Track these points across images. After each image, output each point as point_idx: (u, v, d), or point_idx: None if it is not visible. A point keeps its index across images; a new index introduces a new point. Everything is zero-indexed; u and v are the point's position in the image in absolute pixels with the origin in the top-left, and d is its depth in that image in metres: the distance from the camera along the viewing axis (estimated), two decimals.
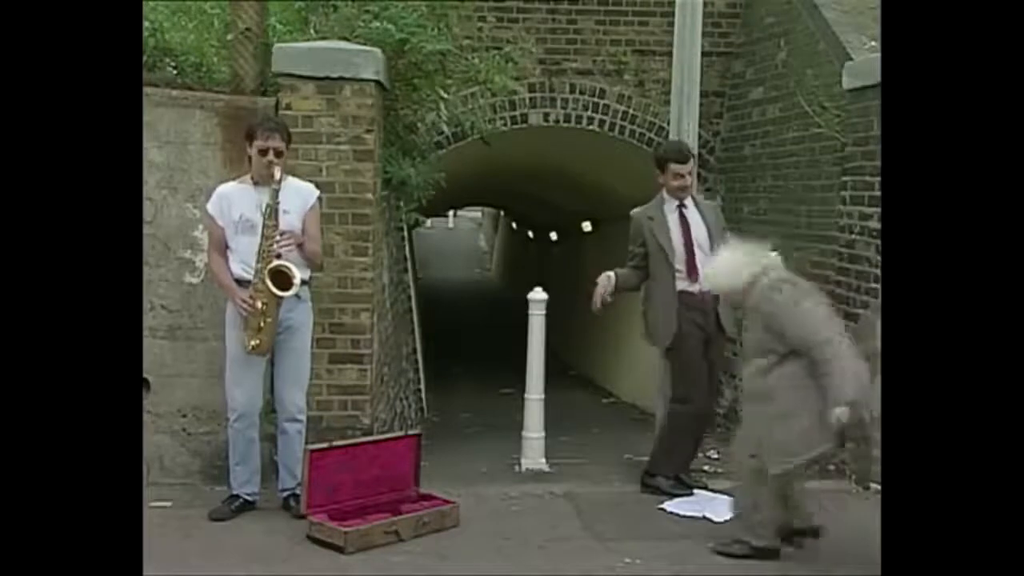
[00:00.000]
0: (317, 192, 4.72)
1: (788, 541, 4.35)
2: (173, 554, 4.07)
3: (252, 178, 4.56)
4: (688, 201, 5.33)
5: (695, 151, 6.05)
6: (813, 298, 4.27)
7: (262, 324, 4.46)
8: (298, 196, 4.60)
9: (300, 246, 4.54)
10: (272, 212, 4.44)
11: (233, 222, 4.53)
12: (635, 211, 5.44)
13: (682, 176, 5.25)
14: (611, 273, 5.31)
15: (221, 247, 4.60)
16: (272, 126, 4.57)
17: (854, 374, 4.05)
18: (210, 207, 4.60)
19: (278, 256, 4.44)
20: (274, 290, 4.41)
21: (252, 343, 4.48)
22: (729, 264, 4.36)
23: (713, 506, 5.05)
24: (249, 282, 4.50)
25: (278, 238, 4.44)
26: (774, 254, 4.42)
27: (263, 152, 4.47)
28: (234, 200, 4.55)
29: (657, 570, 4.23)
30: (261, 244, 4.45)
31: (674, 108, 6.10)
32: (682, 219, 5.28)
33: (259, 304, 4.44)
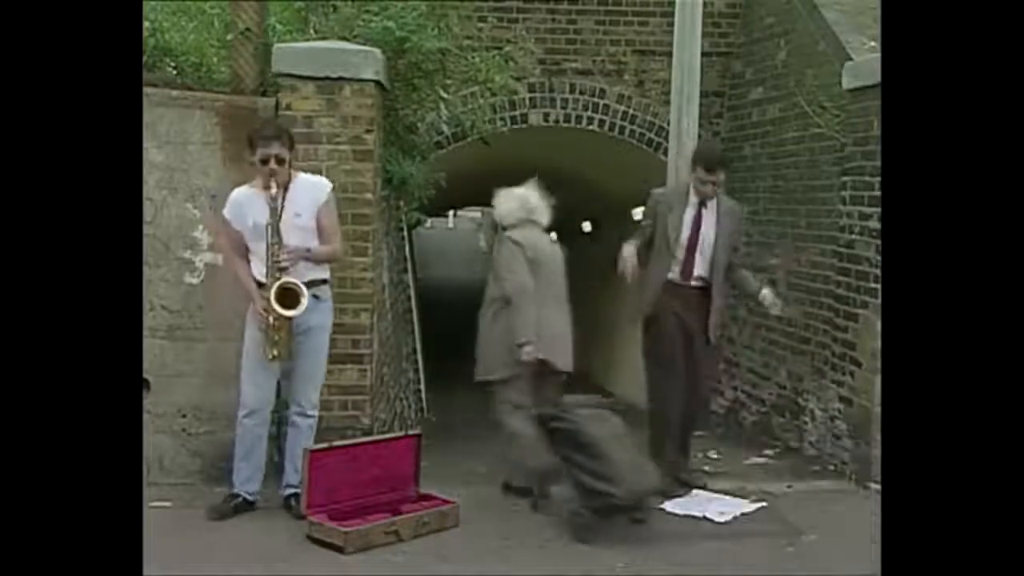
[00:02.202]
0: (329, 185, 4.70)
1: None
2: (173, 554, 4.06)
3: (262, 184, 4.55)
4: (711, 203, 5.29)
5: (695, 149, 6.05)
6: (530, 264, 5.12)
7: (277, 337, 4.50)
8: (308, 195, 4.60)
9: (307, 257, 4.55)
10: (273, 229, 4.45)
11: (248, 228, 4.55)
12: (658, 191, 5.52)
13: (704, 183, 5.22)
14: (632, 247, 5.28)
15: (240, 250, 4.62)
16: (270, 133, 4.52)
17: (535, 323, 5.02)
18: (226, 212, 4.62)
19: (283, 270, 4.44)
20: (281, 311, 4.43)
21: (272, 353, 4.52)
22: (516, 200, 5.37)
23: (713, 506, 5.05)
24: (262, 285, 4.52)
25: (283, 256, 4.44)
26: (538, 227, 5.35)
27: (264, 161, 4.46)
28: (246, 207, 4.56)
29: (657, 570, 4.23)
30: (268, 260, 4.46)
31: (674, 108, 6.11)
32: (696, 218, 5.27)
33: (271, 319, 4.47)
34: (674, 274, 5.25)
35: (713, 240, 5.25)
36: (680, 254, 5.24)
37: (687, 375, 5.30)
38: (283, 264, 4.45)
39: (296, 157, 4.68)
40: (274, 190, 4.46)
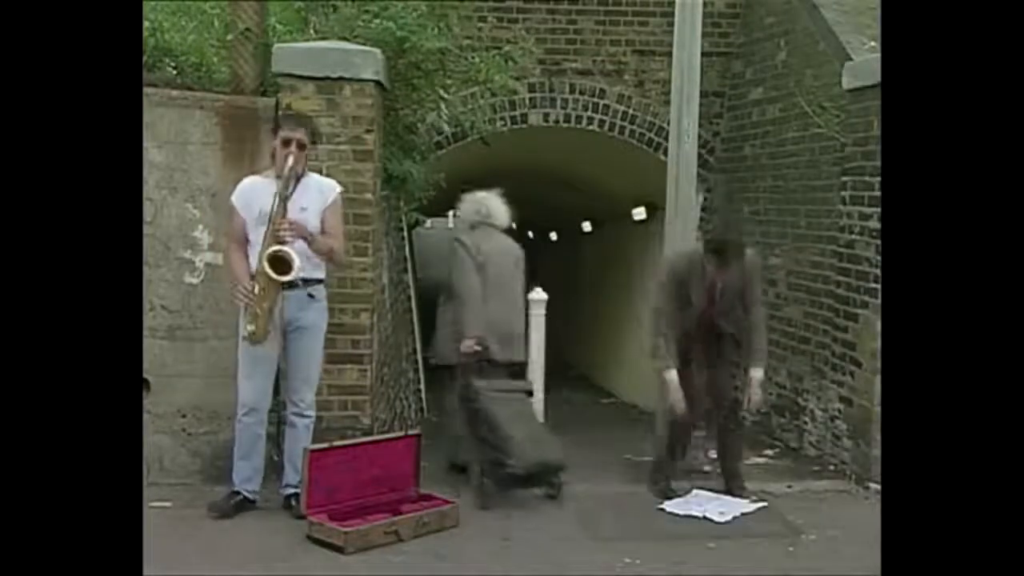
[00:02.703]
0: (338, 188, 4.73)
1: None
2: (173, 554, 4.07)
3: (276, 172, 4.57)
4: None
5: (695, 152, 6.05)
6: (478, 266, 5.63)
7: (259, 311, 4.45)
8: (318, 193, 4.62)
9: (308, 241, 4.53)
10: (281, 202, 4.45)
11: (253, 216, 4.55)
12: (672, 258, 5.49)
13: (718, 271, 5.13)
14: (673, 372, 5.18)
15: (240, 238, 4.61)
16: (298, 120, 4.62)
17: (478, 318, 5.59)
18: (234, 198, 4.63)
19: (281, 242, 4.44)
20: (271, 273, 4.40)
21: (249, 328, 4.49)
22: (474, 204, 5.89)
23: (713, 506, 5.05)
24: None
25: (286, 225, 4.44)
26: (494, 230, 5.86)
27: (286, 143, 4.48)
28: (256, 193, 4.57)
29: (657, 570, 4.23)
30: (267, 230, 4.45)
31: (674, 108, 6.10)
32: (711, 285, 5.20)
33: (257, 289, 4.44)
34: (696, 332, 5.25)
35: (720, 299, 5.22)
36: (698, 315, 5.22)
37: (714, 407, 5.38)
38: (283, 235, 4.43)
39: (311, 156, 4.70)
40: (290, 163, 4.45)
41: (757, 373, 5.24)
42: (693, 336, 5.27)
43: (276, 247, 4.42)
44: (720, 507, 5.05)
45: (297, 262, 4.43)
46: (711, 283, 5.18)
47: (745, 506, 5.10)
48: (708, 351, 5.33)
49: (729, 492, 5.33)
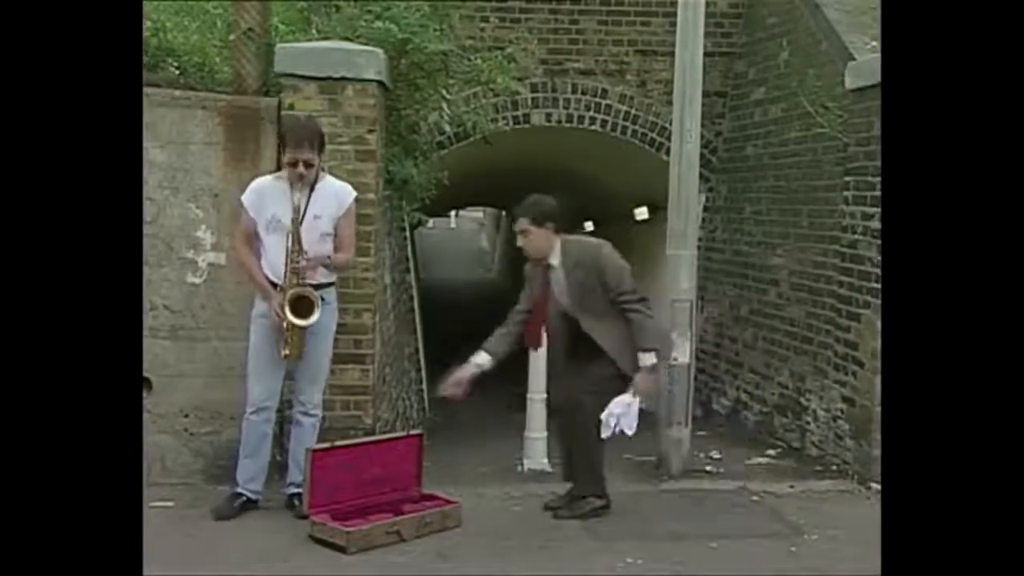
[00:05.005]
0: (354, 193, 4.71)
1: None
2: (174, 554, 4.07)
3: (288, 179, 4.56)
4: (554, 260, 4.85)
5: (697, 152, 6.05)
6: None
7: (289, 338, 4.51)
8: (333, 199, 4.61)
9: (326, 265, 4.57)
10: (295, 237, 4.45)
11: (265, 220, 4.55)
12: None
13: (521, 235, 4.85)
14: (482, 355, 4.95)
15: (250, 238, 4.61)
16: (302, 137, 4.49)
17: None
18: (244, 199, 4.60)
19: (302, 278, 4.46)
20: (293, 320, 4.45)
21: (285, 352, 4.54)
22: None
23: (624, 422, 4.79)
24: (274, 284, 4.52)
25: (303, 264, 4.46)
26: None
27: (292, 164, 4.47)
28: (268, 197, 4.55)
29: (657, 570, 4.23)
30: (287, 263, 4.47)
31: (676, 108, 6.10)
32: (544, 279, 4.90)
33: (284, 324, 4.49)
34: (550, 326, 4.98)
35: (566, 289, 4.84)
36: (538, 307, 4.94)
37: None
38: (303, 274, 4.47)
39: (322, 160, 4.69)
40: (297, 197, 4.47)
41: (646, 359, 4.78)
42: (551, 332, 4.98)
43: (299, 289, 4.45)
44: (626, 421, 4.76)
45: (318, 312, 4.46)
46: (544, 280, 4.85)
47: (626, 402, 4.75)
48: (566, 347, 4.96)
49: (569, 496, 4.96)
